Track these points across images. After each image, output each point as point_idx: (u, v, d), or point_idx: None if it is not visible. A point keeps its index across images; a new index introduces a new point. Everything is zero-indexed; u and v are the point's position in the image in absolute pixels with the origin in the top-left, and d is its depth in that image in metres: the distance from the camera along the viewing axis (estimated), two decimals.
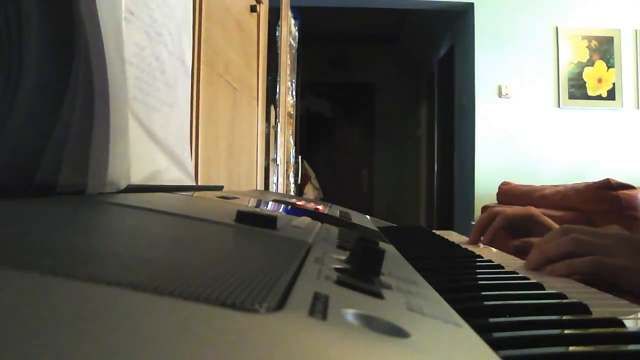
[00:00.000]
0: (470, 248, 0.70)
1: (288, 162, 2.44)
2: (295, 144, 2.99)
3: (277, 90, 2.17)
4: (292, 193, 2.59)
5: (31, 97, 0.32)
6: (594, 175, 3.10)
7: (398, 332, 0.17)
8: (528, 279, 0.45)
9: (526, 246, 0.65)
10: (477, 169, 3.90)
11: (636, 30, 3.89)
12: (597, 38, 3.88)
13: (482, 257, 0.58)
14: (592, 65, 3.88)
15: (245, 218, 0.36)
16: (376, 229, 0.76)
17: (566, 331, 0.31)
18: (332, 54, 6.31)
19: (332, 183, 5.50)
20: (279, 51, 2.17)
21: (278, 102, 2.17)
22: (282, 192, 2.11)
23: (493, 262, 0.55)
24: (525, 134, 3.87)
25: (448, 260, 0.59)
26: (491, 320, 0.31)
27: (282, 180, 2.14)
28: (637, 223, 2.41)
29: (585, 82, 3.88)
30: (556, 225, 0.68)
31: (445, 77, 4.88)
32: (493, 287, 0.42)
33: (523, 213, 0.74)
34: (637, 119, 3.88)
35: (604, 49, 3.88)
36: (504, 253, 0.68)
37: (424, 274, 0.35)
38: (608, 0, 3.90)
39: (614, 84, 3.86)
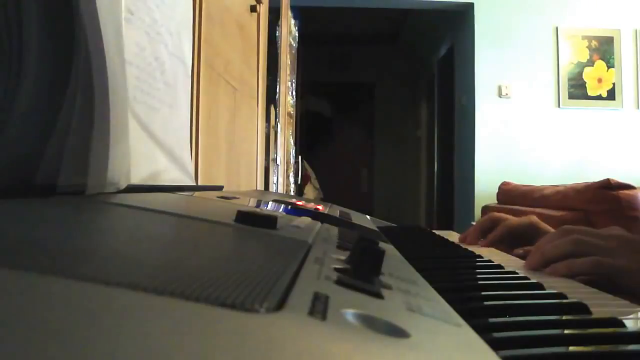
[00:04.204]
0: (470, 248, 0.70)
1: (288, 162, 2.44)
2: (295, 144, 2.99)
3: (277, 90, 2.17)
4: (292, 193, 2.59)
5: (31, 97, 0.32)
6: (594, 175, 3.10)
7: (398, 332, 0.17)
8: (528, 279, 0.45)
9: (527, 254, 0.65)
10: (477, 169, 3.90)
11: (636, 30, 3.89)
12: (597, 38, 3.88)
13: (482, 257, 0.58)
14: (592, 65, 3.88)
15: (245, 218, 0.36)
16: (376, 229, 0.76)
17: (566, 331, 0.31)
18: (332, 54, 6.31)
19: (332, 183, 5.50)
20: (279, 51, 2.17)
21: (278, 102, 2.17)
22: (282, 192, 2.11)
23: (493, 262, 0.55)
24: (525, 134, 3.87)
25: (448, 260, 0.59)
26: (491, 320, 0.31)
27: (282, 180, 2.14)
28: (637, 223, 2.41)
29: (585, 82, 3.88)
30: None
31: (445, 77, 4.88)
32: (493, 287, 0.42)
33: (524, 222, 0.74)
34: (637, 119, 3.88)
35: (604, 49, 3.88)
36: (504, 253, 0.68)
37: (424, 274, 0.35)
38: (608, 0, 3.90)
39: (614, 84, 3.86)
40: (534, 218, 0.75)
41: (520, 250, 0.68)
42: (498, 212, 0.84)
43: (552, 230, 0.74)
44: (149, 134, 0.62)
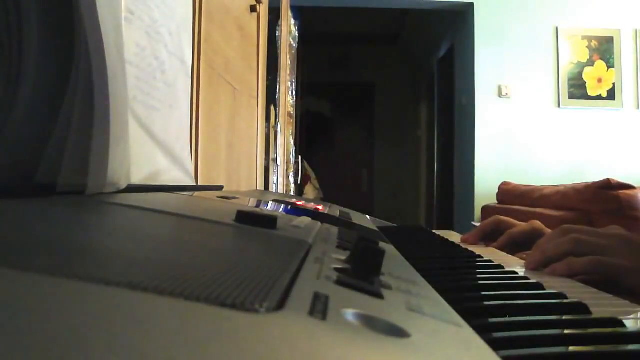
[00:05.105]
0: (471, 248, 0.70)
1: (288, 162, 2.44)
2: (295, 144, 2.99)
3: (277, 90, 2.17)
4: (292, 193, 2.59)
5: (31, 97, 0.32)
6: (594, 175, 3.10)
7: (398, 332, 0.17)
8: (528, 279, 0.45)
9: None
10: (477, 169, 3.90)
11: (636, 30, 3.89)
12: (597, 38, 3.88)
13: (482, 257, 0.58)
14: (592, 65, 3.88)
15: (245, 218, 0.36)
16: (376, 229, 0.76)
17: (566, 331, 0.30)
18: (332, 54, 6.31)
19: (332, 183, 5.50)
20: (279, 51, 2.17)
21: (278, 102, 2.17)
22: (282, 192, 2.11)
23: (493, 262, 0.55)
24: (525, 134, 3.87)
25: (448, 260, 0.59)
26: (491, 320, 0.31)
27: (282, 180, 2.14)
28: (637, 223, 2.41)
29: (585, 82, 3.88)
30: None
31: (445, 77, 4.88)
32: (493, 287, 0.42)
33: (527, 230, 0.74)
34: (637, 119, 3.88)
35: (604, 49, 3.88)
36: (504, 253, 0.68)
37: (424, 274, 0.35)
38: (608, 0, 3.90)
39: (614, 84, 3.86)
40: (537, 224, 0.74)
41: (523, 255, 0.68)
42: (498, 212, 0.84)
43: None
44: (149, 134, 0.62)
